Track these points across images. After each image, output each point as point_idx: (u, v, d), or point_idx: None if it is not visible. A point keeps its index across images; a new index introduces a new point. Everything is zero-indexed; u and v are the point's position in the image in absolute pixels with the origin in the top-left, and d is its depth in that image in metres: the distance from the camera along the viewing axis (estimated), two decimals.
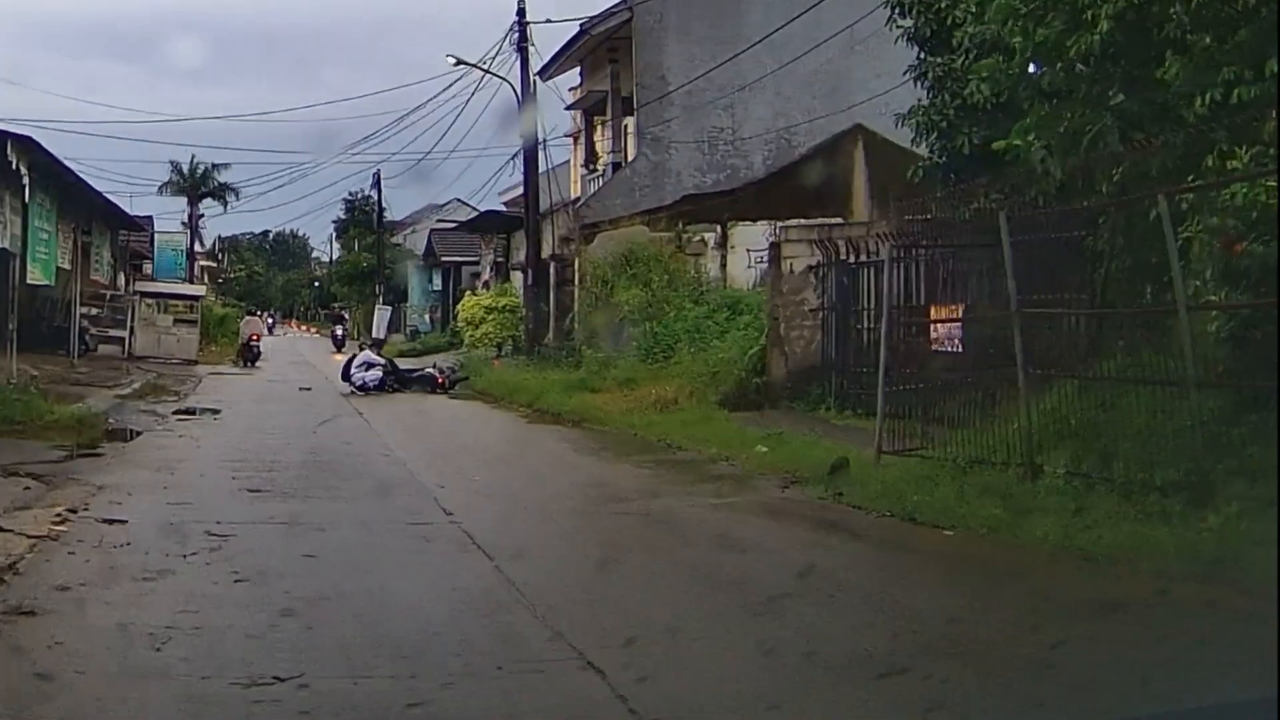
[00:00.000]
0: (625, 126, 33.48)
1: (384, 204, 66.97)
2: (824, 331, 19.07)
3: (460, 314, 38.01)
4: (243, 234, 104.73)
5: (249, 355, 38.17)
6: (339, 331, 53.28)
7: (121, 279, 43.14)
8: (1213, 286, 10.14)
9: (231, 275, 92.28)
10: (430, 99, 60.39)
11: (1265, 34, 10.11)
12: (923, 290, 15.95)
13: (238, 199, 65.66)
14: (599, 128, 36.17)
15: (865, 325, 18.23)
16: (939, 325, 14.83)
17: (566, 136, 41.30)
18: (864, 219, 23.41)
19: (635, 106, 31.80)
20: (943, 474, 11.33)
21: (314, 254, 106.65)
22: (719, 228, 28.18)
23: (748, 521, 10.82)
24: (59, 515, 9.71)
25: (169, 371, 31.32)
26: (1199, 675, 5.58)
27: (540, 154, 32.98)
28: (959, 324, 14.45)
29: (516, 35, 32.07)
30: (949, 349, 14.47)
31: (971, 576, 8.68)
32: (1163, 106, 11.54)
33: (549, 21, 37.35)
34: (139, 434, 17.07)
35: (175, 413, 20.61)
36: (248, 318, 46.33)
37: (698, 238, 28.15)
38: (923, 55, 17.57)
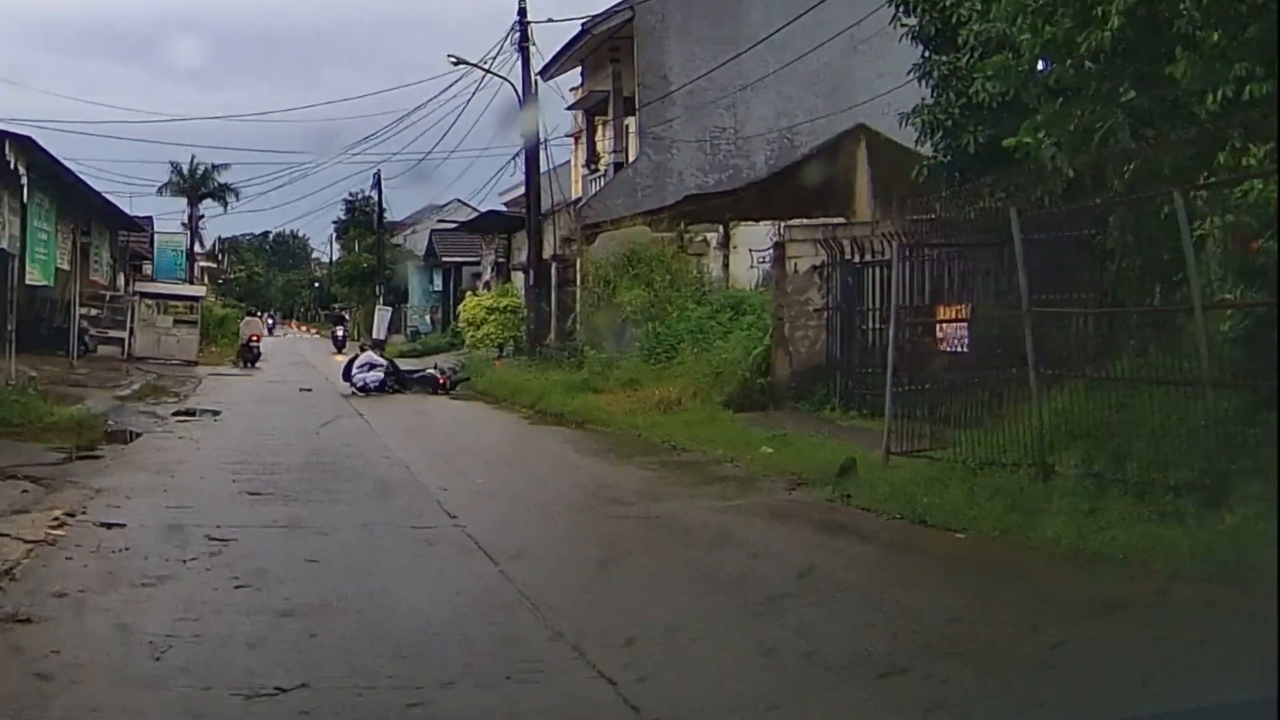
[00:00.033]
0: (627, 126, 33.36)
1: (384, 204, 66.94)
2: (828, 331, 18.93)
3: (461, 314, 37.90)
4: (243, 235, 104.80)
5: (249, 356, 38.08)
6: (339, 332, 53.14)
7: (121, 280, 43.08)
8: (1228, 285, 10.06)
9: (231, 276, 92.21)
10: (431, 99, 60.11)
11: (1275, 31, 9.99)
12: (928, 290, 15.80)
13: (238, 199, 65.73)
14: (600, 128, 36.03)
15: (870, 325, 18.11)
16: (945, 325, 14.68)
17: (567, 136, 41.22)
18: (867, 219, 23.28)
19: (637, 106, 31.67)
20: (952, 475, 11.19)
21: (314, 255, 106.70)
22: (721, 228, 28.03)
23: (754, 524, 10.67)
24: (57, 519, 9.57)
25: (169, 372, 31.20)
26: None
27: (542, 154, 32.91)
28: (965, 324, 14.30)
29: (518, 35, 31.95)
30: (955, 349, 14.31)
31: (987, 579, 8.55)
32: (1173, 103, 11.41)
33: (550, 21, 37.22)
34: (138, 436, 16.98)
35: (175, 414, 20.50)
36: (248, 318, 46.23)
37: (700, 238, 28.00)
38: (927, 54, 17.43)
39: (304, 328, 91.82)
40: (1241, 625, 6.48)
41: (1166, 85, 11.23)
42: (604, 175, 34.27)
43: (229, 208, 66.82)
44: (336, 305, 72.74)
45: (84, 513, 10.06)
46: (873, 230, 18.80)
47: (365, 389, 25.82)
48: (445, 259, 55.54)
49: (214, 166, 63.89)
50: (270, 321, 75.42)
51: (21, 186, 23.39)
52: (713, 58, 29.65)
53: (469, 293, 44.16)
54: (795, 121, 30.61)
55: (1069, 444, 10.73)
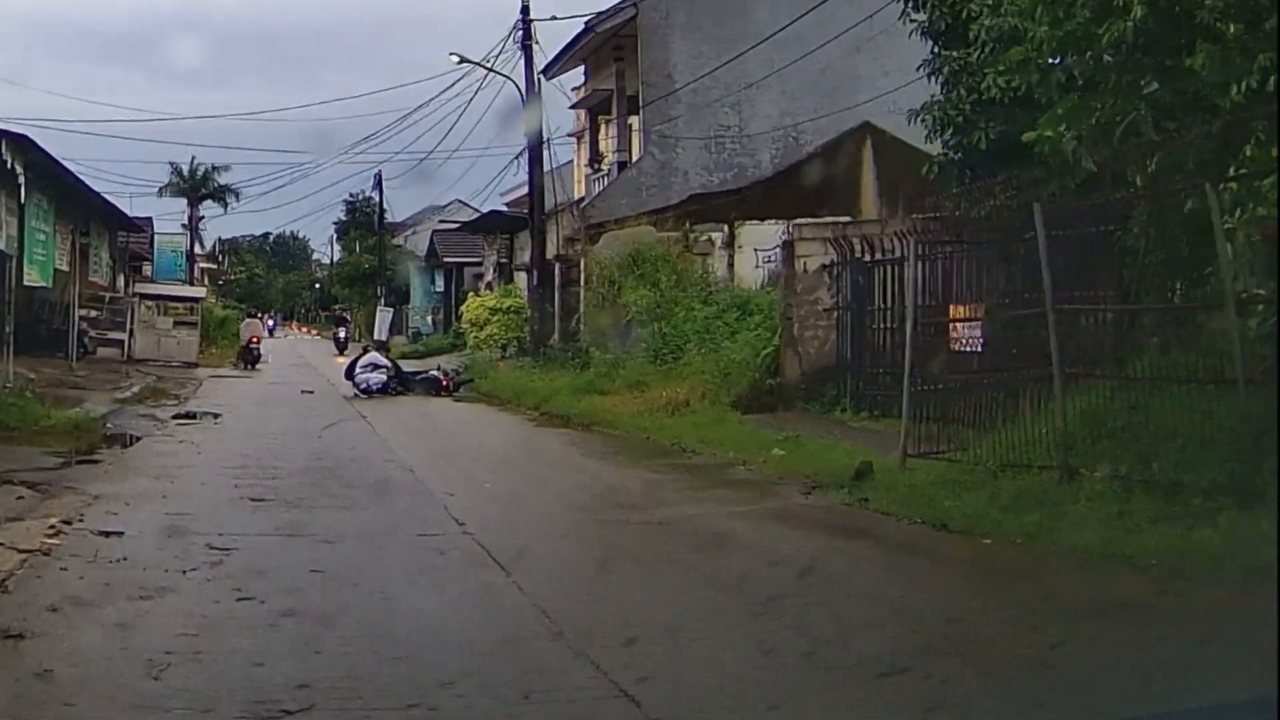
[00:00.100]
0: (630, 125, 33.10)
1: (385, 205, 66.76)
2: (839, 331, 18.66)
3: (464, 315, 37.68)
4: (243, 236, 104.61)
5: (249, 358, 37.89)
6: (341, 334, 52.87)
7: (121, 281, 42.85)
8: (1255, 280, 9.81)
9: (232, 277, 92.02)
10: (432, 98, 60.15)
11: None
12: (940, 289, 15.54)
13: (238, 200, 65.48)
14: (604, 127, 35.77)
15: (881, 325, 17.87)
16: (959, 325, 14.43)
17: (570, 136, 41.00)
18: (872, 217, 23.08)
19: (641, 105, 31.42)
20: (973, 478, 10.94)
21: (314, 256, 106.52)
22: (726, 227, 27.78)
23: (773, 531, 10.37)
24: (53, 527, 9.28)
25: (169, 374, 31.02)
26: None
27: (545, 153, 32.68)
28: (979, 323, 14.04)
29: (520, 33, 31.75)
30: (969, 349, 14.08)
31: (1018, 586, 8.23)
32: (1194, 96, 11.17)
33: (554, 19, 36.84)
34: (138, 439, 16.76)
35: (175, 417, 20.28)
36: (248, 320, 45.99)
37: (705, 237, 27.73)
38: (937, 49, 17.27)
39: (305, 329, 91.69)
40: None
41: (1187, 78, 11.01)
42: (607, 175, 34.02)
43: (229, 209, 66.62)
44: (338, 306, 72.51)
45: (81, 520, 9.77)
46: (883, 229, 18.55)
47: (368, 391, 25.56)
48: (447, 260, 55.32)
49: (214, 167, 63.74)
50: (270, 323, 75.25)
51: (19, 186, 23.15)
52: (717, 55, 29.40)
53: (471, 293, 43.95)
54: (800, 120, 30.33)
55: (1093, 445, 10.48)
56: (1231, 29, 10.50)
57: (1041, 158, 13.04)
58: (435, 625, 7.06)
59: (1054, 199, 12.42)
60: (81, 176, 30.66)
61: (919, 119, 16.98)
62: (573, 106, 38.67)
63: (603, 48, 33.23)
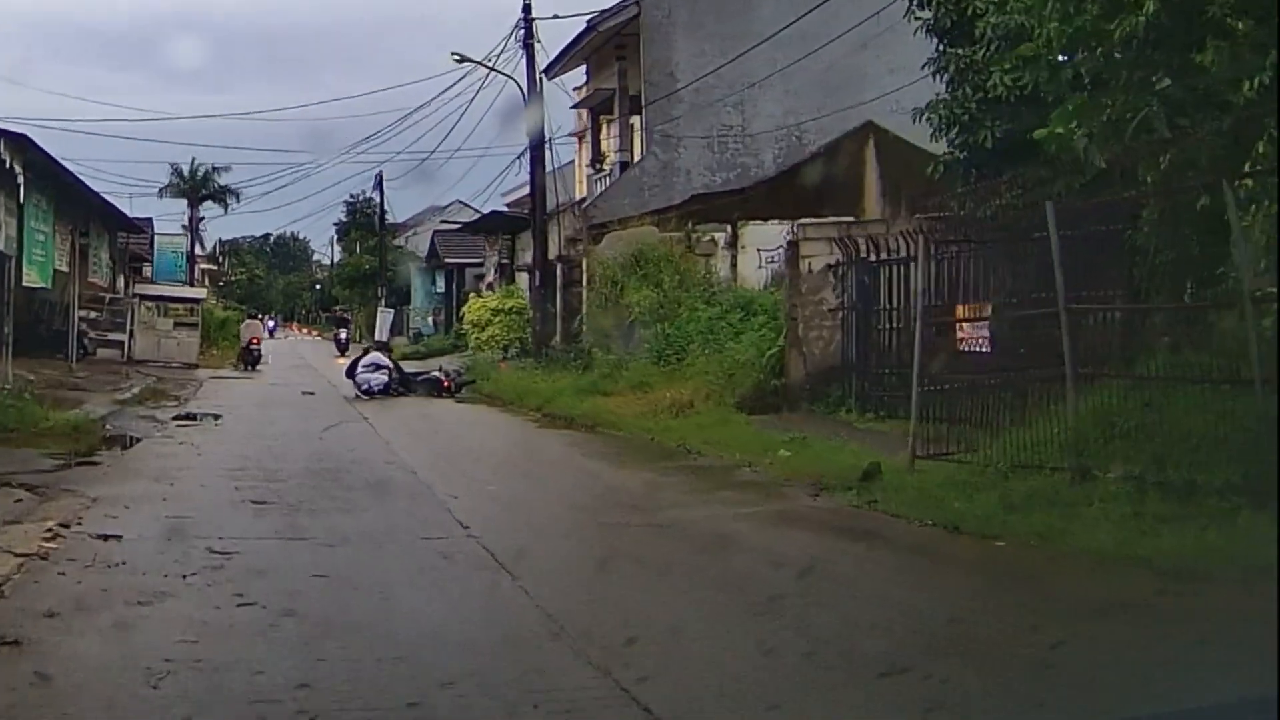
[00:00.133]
0: (632, 125, 32.94)
1: (386, 206, 66.62)
2: (844, 332, 18.52)
3: (466, 316, 37.53)
4: (243, 237, 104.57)
5: (249, 359, 37.78)
6: (342, 335, 52.73)
7: (121, 282, 42.72)
8: (1268, 279, 9.69)
9: (232, 278, 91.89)
10: (433, 98, 60.07)
11: None
12: (947, 289, 15.40)
13: (238, 201, 65.27)
14: (605, 126, 35.62)
15: (887, 325, 17.73)
16: (966, 325, 14.29)
17: (571, 136, 40.86)
18: (875, 217, 22.97)
19: (643, 104, 31.25)
20: (983, 480, 10.81)
21: (315, 257, 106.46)
22: (729, 227, 27.64)
23: (782, 533, 10.23)
24: (50, 530, 9.13)
25: (169, 375, 30.91)
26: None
27: (546, 153, 32.55)
28: (986, 323, 13.91)
29: (522, 32, 31.61)
30: (977, 349, 13.94)
31: (1034, 589, 8.08)
32: (1206, 92, 11.05)
33: (556, 17, 36.65)
34: (138, 441, 16.61)
35: (175, 418, 20.14)
36: (248, 321, 45.85)
37: (707, 237, 27.58)
38: (942, 47, 17.17)
39: (305, 330, 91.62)
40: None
41: (1199, 74, 10.89)
42: (609, 175, 33.87)
43: (229, 209, 66.46)
44: (338, 307, 72.42)
45: (79, 523, 9.61)
46: (888, 228, 18.42)
47: (369, 392, 25.42)
48: (448, 260, 55.19)
49: (214, 168, 63.56)
50: (271, 324, 75.13)
51: (18, 186, 23.02)
52: (720, 55, 29.24)
53: (472, 294, 43.81)
54: (803, 119, 30.17)
55: (1105, 446, 10.34)
56: (1241, 25, 10.39)
57: (1048, 156, 12.94)
58: (441, 635, 6.87)
59: (1060, 198, 12.30)
60: (81, 177, 30.58)
61: (924, 117, 16.87)
62: (574, 106, 38.54)
63: (605, 47, 33.08)
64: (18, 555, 8.17)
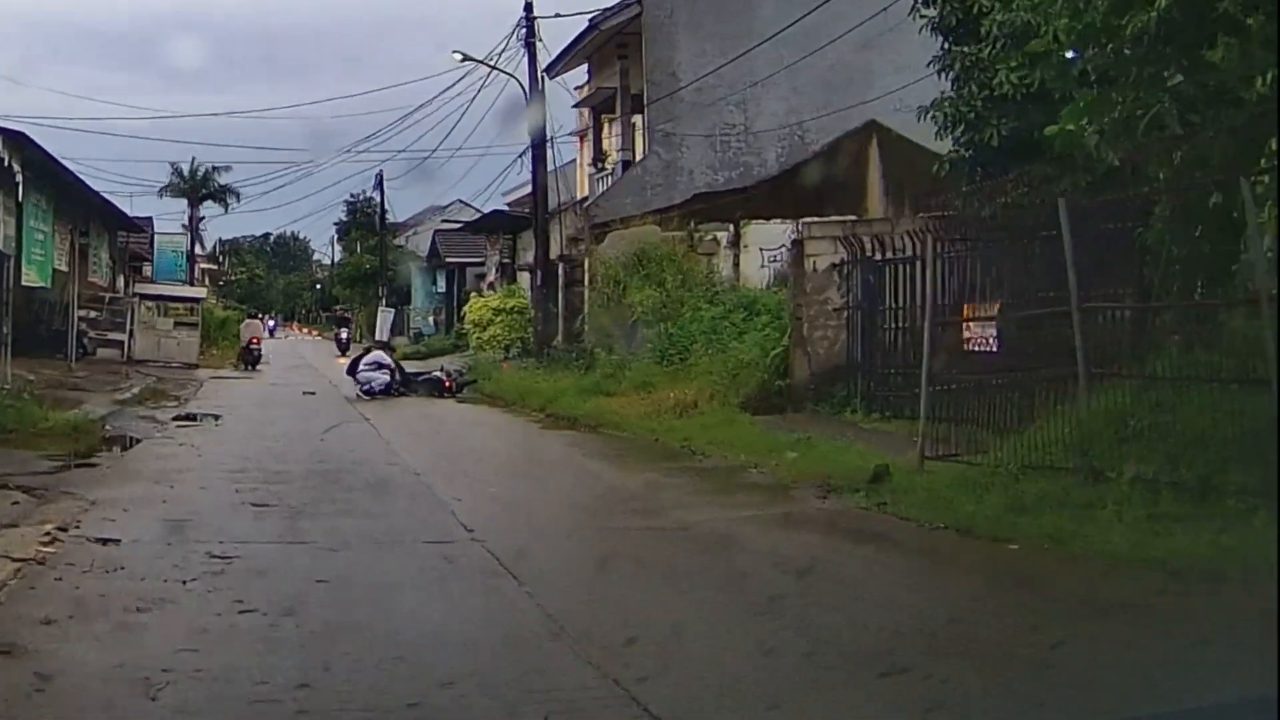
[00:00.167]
0: (634, 124, 32.79)
1: (386, 205, 66.48)
2: (849, 331, 18.35)
3: (467, 316, 37.41)
4: (243, 236, 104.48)
5: (250, 359, 37.66)
6: (343, 335, 52.58)
7: (121, 281, 42.57)
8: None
9: (232, 278, 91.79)
10: (434, 97, 59.93)
11: None
12: (954, 288, 15.26)
13: (238, 201, 65.17)
14: (607, 125, 35.48)
15: (893, 325, 17.58)
16: (973, 324, 14.14)
17: (572, 135, 40.71)
18: (878, 216, 22.83)
19: (645, 103, 31.10)
20: (993, 481, 10.63)
21: (315, 256, 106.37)
22: (731, 226, 27.51)
23: (793, 537, 10.08)
24: (48, 534, 8.98)
25: (169, 375, 30.79)
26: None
27: (548, 152, 32.43)
28: (994, 322, 13.77)
29: (524, 30, 31.46)
30: (984, 348, 13.80)
31: (1053, 594, 7.93)
32: (1218, 89, 10.91)
33: (558, 15, 36.59)
34: (137, 442, 16.48)
35: (175, 419, 20.02)
36: (248, 321, 45.72)
37: (710, 237, 27.46)
38: (948, 45, 17.08)
39: (305, 330, 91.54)
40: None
41: (1211, 70, 10.75)
42: (611, 174, 33.73)
43: (230, 209, 66.34)
44: (339, 307, 72.32)
45: (78, 527, 9.46)
46: (893, 227, 18.28)
47: (370, 392, 25.30)
48: (449, 260, 55.06)
49: (214, 168, 63.45)
50: (271, 324, 75.02)
51: (16, 185, 22.87)
52: (723, 53, 29.09)
53: (473, 294, 43.69)
54: (806, 118, 30.02)
55: (1117, 446, 10.20)
56: (1252, 20, 10.25)
57: (1054, 154, 12.80)
58: (448, 642, 6.72)
59: (1066, 196, 12.17)
60: (81, 176, 30.44)
61: (929, 116, 16.77)
62: (576, 105, 38.40)
63: (606, 45, 32.93)
64: (14, 560, 8.02)
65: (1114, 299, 11.55)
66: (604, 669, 6.05)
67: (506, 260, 43.76)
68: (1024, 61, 14.79)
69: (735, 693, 5.85)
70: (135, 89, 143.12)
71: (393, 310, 58.12)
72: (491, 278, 46.41)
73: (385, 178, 63.44)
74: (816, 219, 21.63)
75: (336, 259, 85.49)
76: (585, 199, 34.64)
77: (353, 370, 26.38)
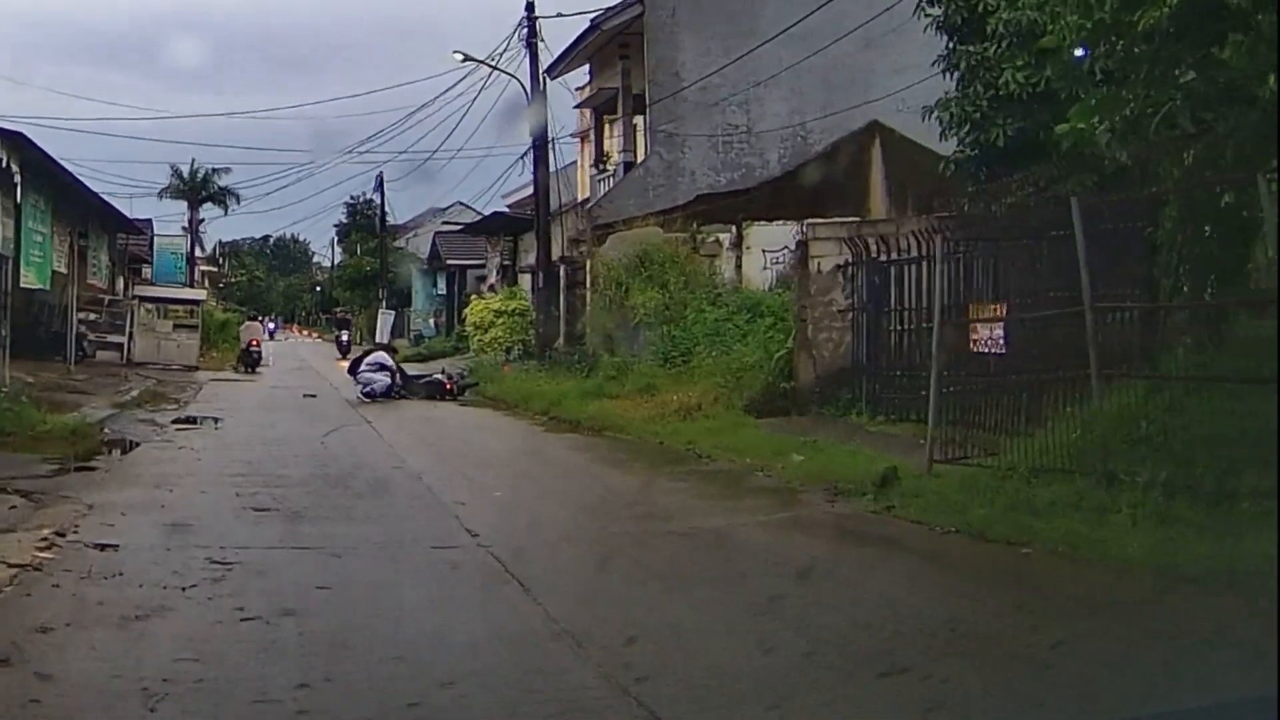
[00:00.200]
0: (636, 125, 32.67)
1: (387, 207, 66.38)
2: (854, 333, 18.20)
3: (468, 318, 37.27)
4: (243, 239, 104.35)
5: (250, 361, 37.53)
6: (344, 337, 52.43)
7: (120, 283, 42.40)
8: None
9: (232, 280, 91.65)
10: (435, 98, 59.60)
11: None
12: (961, 289, 15.13)
13: (238, 203, 64.96)
14: (609, 126, 35.34)
15: (899, 326, 17.42)
16: (980, 325, 14.01)
17: (573, 136, 40.56)
18: (881, 216, 22.69)
19: (647, 104, 30.97)
20: (1004, 484, 10.49)
21: (315, 259, 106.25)
22: (734, 228, 27.39)
23: (804, 542, 9.96)
24: (45, 539, 8.83)
25: (169, 378, 30.65)
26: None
27: (549, 153, 32.30)
28: (1002, 324, 13.64)
29: (525, 30, 31.34)
30: (992, 350, 13.67)
31: (1067, 601, 7.79)
32: (1230, 87, 10.79)
33: (560, 15, 36.51)
34: (136, 445, 16.32)
35: (175, 422, 19.87)
36: (248, 323, 45.59)
37: (712, 238, 27.33)
38: (953, 44, 16.95)
39: (306, 332, 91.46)
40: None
41: (1223, 68, 10.63)
42: (613, 175, 33.60)
43: (229, 211, 66.16)
44: (339, 309, 72.22)
45: (75, 532, 9.32)
46: (898, 228, 18.13)
47: (371, 394, 25.19)
48: (449, 262, 54.96)
49: (214, 170, 63.29)
50: (271, 326, 74.84)
51: (14, 185, 22.68)
52: (725, 53, 28.97)
53: (474, 296, 43.55)
54: (809, 119, 29.89)
55: (1131, 449, 10.06)
56: (1262, 17, 10.13)
57: (1061, 153, 12.67)
58: (453, 647, 6.57)
59: (1073, 195, 12.05)
60: (80, 177, 30.28)
61: (934, 116, 16.65)
62: (578, 106, 38.27)
63: (608, 46, 32.80)
64: (11, 566, 7.88)
65: (1120, 299, 11.42)
66: (605, 669, 5.96)
67: (507, 262, 43.63)
68: (1030, 60, 14.68)
69: (735, 693, 5.76)
70: (135, 89, 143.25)
71: (393, 312, 58.01)
72: (492, 280, 46.28)
73: (385, 179, 63.43)
74: (821, 220, 21.48)
75: (336, 261, 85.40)
76: (587, 200, 34.51)
77: (354, 369, 26.27)
